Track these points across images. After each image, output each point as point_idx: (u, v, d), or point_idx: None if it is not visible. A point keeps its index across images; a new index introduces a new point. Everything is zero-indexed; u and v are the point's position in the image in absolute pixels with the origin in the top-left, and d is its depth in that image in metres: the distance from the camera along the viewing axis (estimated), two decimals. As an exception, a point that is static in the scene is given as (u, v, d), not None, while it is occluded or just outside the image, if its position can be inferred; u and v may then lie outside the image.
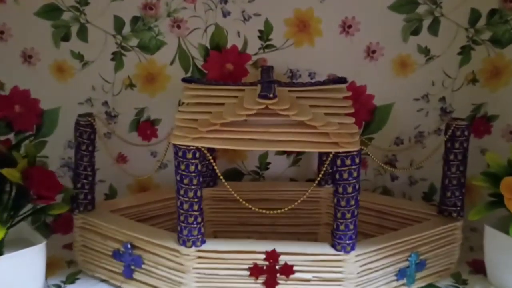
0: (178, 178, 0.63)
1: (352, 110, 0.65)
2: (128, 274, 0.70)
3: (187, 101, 0.67)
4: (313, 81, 0.74)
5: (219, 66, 0.84)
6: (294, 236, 0.85)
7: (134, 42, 0.84)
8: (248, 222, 0.86)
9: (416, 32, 0.83)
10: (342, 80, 0.69)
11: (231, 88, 0.68)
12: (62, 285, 0.74)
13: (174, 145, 0.62)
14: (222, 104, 0.66)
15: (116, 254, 0.70)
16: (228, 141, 0.61)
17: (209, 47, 0.84)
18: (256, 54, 0.84)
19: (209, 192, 0.84)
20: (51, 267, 0.77)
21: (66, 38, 0.84)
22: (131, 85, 0.86)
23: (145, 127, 0.88)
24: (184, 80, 0.69)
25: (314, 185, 0.68)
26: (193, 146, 0.61)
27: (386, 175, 0.90)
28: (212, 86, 0.69)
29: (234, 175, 0.90)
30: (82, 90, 0.86)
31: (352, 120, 0.64)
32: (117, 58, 0.84)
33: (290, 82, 0.70)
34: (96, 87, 0.86)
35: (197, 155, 0.62)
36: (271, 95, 0.60)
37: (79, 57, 0.84)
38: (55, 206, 0.68)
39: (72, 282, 0.74)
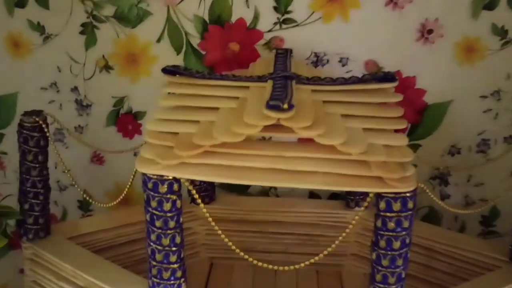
0: (148, 218, 0.44)
1: (404, 125, 0.45)
2: (88, 328, 0.53)
3: (167, 103, 0.47)
4: (347, 75, 0.53)
5: (221, 45, 0.63)
6: (312, 268, 0.66)
7: (109, 11, 0.63)
8: (254, 248, 0.67)
9: (490, 6, 0.60)
10: (389, 77, 0.48)
11: (230, 84, 0.48)
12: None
13: (143, 173, 0.42)
14: (216, 109, 0.46)
15: (73, 301, 0.53)
16: (220, 170, 0.42)
17: (207, 21, 0.63)
18: (270, 31, 0.63)
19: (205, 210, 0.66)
20: (0, 300, 0.61)
21: (21, 3, 0.64)
22: (107, 67, 0.66)
23: (125, 120, 0.68)
24: (166, 71, 0.49)
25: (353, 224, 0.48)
26: (168, 176, 0.42)
27: (434, 193, 0.69)
28: (204, 81, 0.48)
29: (238, 185, 0.71)
30: (45, 71, 0.67)
31: (405, 140, 0.43)
32: (88, 31, 0.64)
33: (314, 78, 0.49)
34: (62, 68, 0.66)
35: (175, 187, 0.42)
36: (285, 105, 0.40)
37: (39, 28, 0.65)
38: (-12, 239, 0.50)
39: (23, 325, 0.58)
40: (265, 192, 0.71)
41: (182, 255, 0.45)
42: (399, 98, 0.47)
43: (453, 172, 0.68)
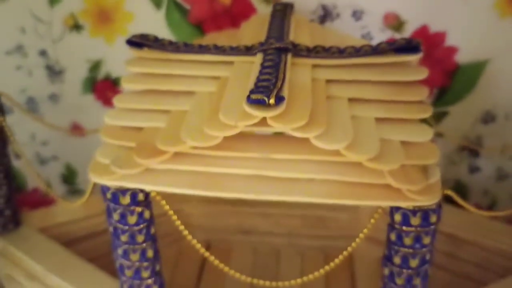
0: (111, 230, 0.36)
1: (428, 113, 0.35)
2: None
3: (131, 86, 0.38)
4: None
5: (209, -2, 0.53)
6: (320, 252, 0.59)
7: (73, -42, 0.53)
8: (254, 230, 0.60)
9: None
10: (413, 47, 0.38)
11: (211, 60, 0.39)
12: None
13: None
14: (192, 93, 0.37)
15: (48, 302, 0.47)
16: (192, 179, 0.33)
17: (191, -32, 0.52)
18: (267, -21, 0.52)
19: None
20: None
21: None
22: (77, 27, 0.56)
23: (104, 87, 0.60)
24: (131, 43, 0.40)
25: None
26: (128, 186, 0.34)
27: (462, 165, 0.60)
28: (179, 55, 0.39)
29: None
30: (8, 33, 0.57)
31: (429, 134, 0.34)
32: (51, -16, 0.54)
33: (317, 48, 0.39)
34: (26, 28, 0.57)
35: (140, 197, 0.34)
36: (272, 100, 0.30)
37: (-5, -18, 0.55)
38: None
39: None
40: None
41: (157, 269, 0.38)
42: (423, 74, 0.37)
43: (485, 142, 0.58)
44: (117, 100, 0.37)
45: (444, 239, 0.52)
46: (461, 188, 0.61)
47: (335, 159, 0.32)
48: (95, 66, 0.58)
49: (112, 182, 0.33)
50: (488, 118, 0.57)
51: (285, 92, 0.32)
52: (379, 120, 0.34)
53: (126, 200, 0.34)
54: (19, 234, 0.50)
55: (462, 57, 0.53)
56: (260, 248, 0.60)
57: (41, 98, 0.61)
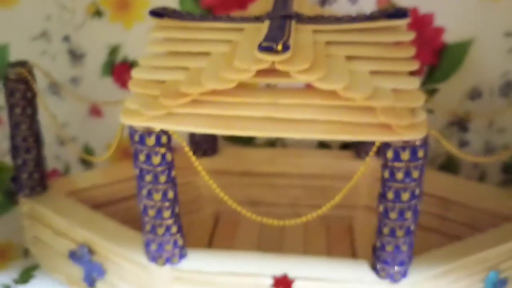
0: (137, 172, 0.41)
1: (415, 66, 0.40)
2: (89, 283, 0.51)
3: (154, 48, 0.43)
4: (354, 13, 0.48)
5: (219, -15, 0.58)
6: (323, 221, 0.63)
7: (97, -50, 0.59)
8: (261, 201, 0.65)
9: None
10: (401, 13, 0.43)
11: (224, 27, 0.44)
12: (13, 284, 0.56)
13: (129, 126, 0.39)
14: (208, 54, 0.42)
15: (73, 256, 0.51)
16: (210, 120, 0.38)
17: (203, -43, 0.58)
18: (271, -34, 0.57)
19: (208, 162, 0.63)
20: (3, 256, 0.60)
21: None
22: (98, 13, 0.62)
23: (122, 70, 0.65)
24: (154, 13, 0.45)
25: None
26: (155, 128, 0.39)
27: (452, 140, 0.65)
28: (195, 23, 0.44)
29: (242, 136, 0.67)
30: (34, 19, 0.63)
31: (416, 83, 0.39)
32: (76, -26, 0.60)
33: (317, 17, 0.45)
34: (51, 15, 0.62)
35: (163, 139, 0.39)
36: (280, 46, 0.35)
37: (24, -27, 0.61)
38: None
39: (26, 281, 0.57)
40: (271, 143, 0.68)
41: (176, 210, 0.43)
42: (411, 36, 0.42)
43: (473, 117, 0.63)
44: (142, 60, 0.42)
45: (436, 202, 0.57)
46: (451, 162, 0.66)
47: (335, 102, 0.37)
48: (114, 50, 0.64)
49: (140, 123, 0.38)
50: (474, 94, 0.62)
51: (290, 43, 0.37)
52: (372, 72, 0.40)
53: (151, 141, 0.39)
54: (45, 197, 0.54)
55: (449, 37, 0.59)
56: (266, 218, 0.64)
57: (63, 81, 0.66)
